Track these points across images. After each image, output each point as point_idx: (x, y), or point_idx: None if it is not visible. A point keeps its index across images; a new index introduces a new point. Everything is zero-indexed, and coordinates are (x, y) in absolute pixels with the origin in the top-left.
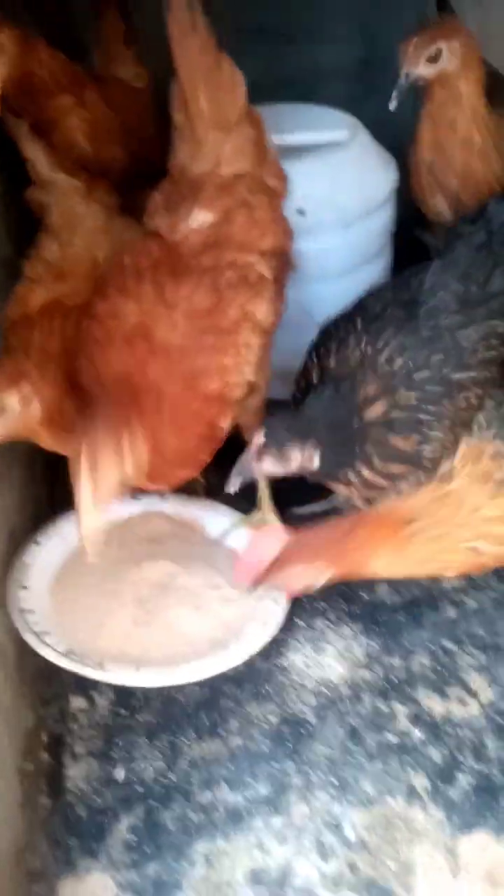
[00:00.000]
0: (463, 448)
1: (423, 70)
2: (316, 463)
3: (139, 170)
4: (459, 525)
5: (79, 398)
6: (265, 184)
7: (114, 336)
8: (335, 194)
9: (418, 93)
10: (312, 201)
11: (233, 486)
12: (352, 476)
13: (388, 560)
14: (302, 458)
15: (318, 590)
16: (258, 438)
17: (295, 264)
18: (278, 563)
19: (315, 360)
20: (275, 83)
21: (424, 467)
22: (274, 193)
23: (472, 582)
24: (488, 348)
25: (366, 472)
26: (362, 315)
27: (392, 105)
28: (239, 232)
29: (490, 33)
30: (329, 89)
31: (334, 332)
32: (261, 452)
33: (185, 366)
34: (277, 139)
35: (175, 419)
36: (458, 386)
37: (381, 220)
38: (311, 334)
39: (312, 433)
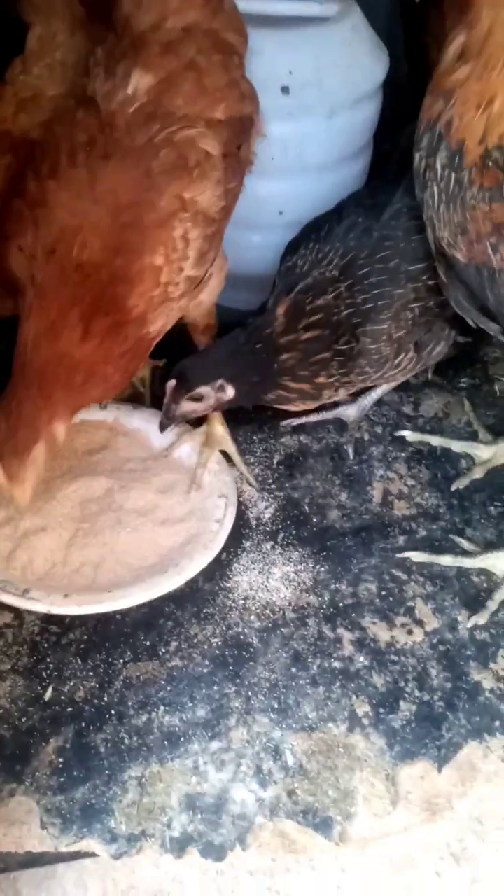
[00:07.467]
0: None
1: None
2: (231, 394)
3: None
4: None
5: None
6: (221, 39)
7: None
8: (321, 75)
9: None
10: (296, 80)
11: (165, 429)
12: (281, 393)
13: None
14: (216, 394)
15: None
16: (170, 383)
17: (262, 131)
18: None
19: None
20: None
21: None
22: (232, 50)
23: (421, 510)
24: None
25: (293, 385)
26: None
27: None
28: (183, 101)
29: None
30: None
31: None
32: (174, 397)
33: (106, 284)
34: (259, 6)
35: (100, 352)
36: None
37: (368, 113)
38: (282, 237)
39: (221, 370)
